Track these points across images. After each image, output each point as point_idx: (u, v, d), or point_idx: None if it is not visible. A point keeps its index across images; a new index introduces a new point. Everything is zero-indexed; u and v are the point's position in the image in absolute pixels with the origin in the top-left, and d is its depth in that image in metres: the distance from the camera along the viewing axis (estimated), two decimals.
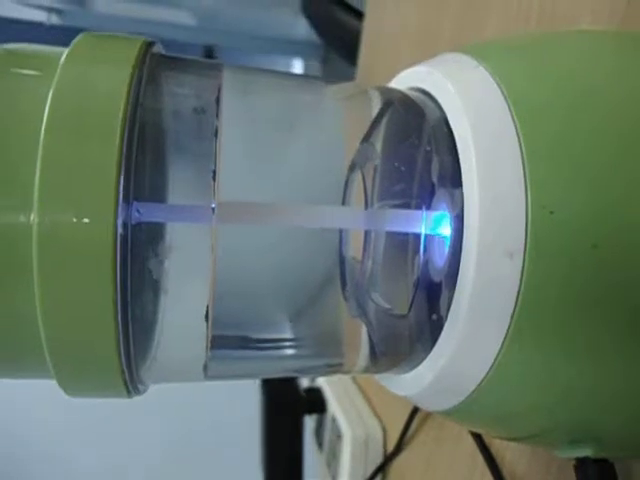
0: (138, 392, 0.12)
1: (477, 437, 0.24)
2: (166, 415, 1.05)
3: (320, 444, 0.46)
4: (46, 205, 0.10)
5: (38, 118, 0.10)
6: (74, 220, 0.09)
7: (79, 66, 0.11)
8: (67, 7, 2.00)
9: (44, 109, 0.10)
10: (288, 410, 0.39)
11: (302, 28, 0.86)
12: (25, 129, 0.10)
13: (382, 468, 0.38)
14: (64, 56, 0.11)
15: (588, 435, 0.14)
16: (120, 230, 0.10)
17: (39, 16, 2.15)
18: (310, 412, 0.45)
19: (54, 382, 0.12)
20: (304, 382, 0.50)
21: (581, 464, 0.14)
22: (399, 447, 0.35)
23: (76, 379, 0.11)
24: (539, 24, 0.21)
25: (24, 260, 0.10)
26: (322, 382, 0.45)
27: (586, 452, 0.14)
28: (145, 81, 0.11)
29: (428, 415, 0.32)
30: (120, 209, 0.10)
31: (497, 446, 0.24)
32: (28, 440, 1.05)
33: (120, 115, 0.10)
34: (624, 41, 0.14)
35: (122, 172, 0.10)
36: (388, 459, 0.37)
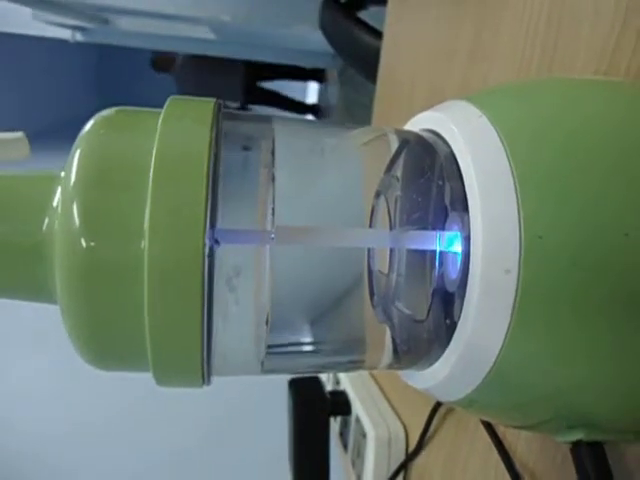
0: (209, 383, 0.15)
1: (491, 432, 0.27)
2: (178, 419, 1.08)
3: (345, 445, 0.49)
4: (154, 235, 0.13)
5: (146, 165, 0.13)
6: (174, 246, 0.13)
7: (172, 125, 0.14)
8: (91, 25, 2.07)
9: (150, 158, 0.13)
10: (315, 411, 0.42)
11: (321, 39, 0.89)
12: (136, 174, 0.13)
13: (404, 465, 0.40)
14: (161, 117, 0.14)
15: (581, 421, 0.16)
16: (207, 252, 0.13)
17: (64, 34, 2.23)
18: (335, 414, 0.47)
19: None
20: (328, 385, 0.53)
21: (576, 446, 0.17)
22: (420, 445, 0.38)
23: (167, 373, 0.14)
24: (540, 65, 0.24)
25: (136, 277, 0.13)
26: (346, 384, 0.47)
27: (579, 436, 0.16)
28: (219, 134, 0.14)
29: (447, 414, 0.34)
30: (207, 238, 0.13)
31: (509, 440, 0.26)
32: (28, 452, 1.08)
33: (205, 164, 0.13)
34: (607, 88, 0.17)
35: (208, 209, 0.13)
36: (410, 457, 0.39)
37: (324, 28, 0.90)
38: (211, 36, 2.03)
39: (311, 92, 3.09)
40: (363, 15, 0.87)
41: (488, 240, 0.14)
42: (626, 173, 0.14)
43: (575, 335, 0.14)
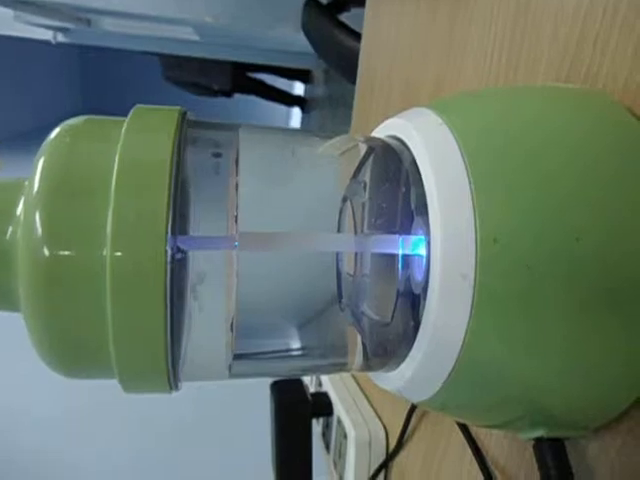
0: (177, 388, 0.15)
1: (465, 431, 0.27)
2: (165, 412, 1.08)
3: (327, 446, 0.49)
4: (116, 243, 0.13)
5: (109, 174, 0.13)
6: (136, 253, 0.13)
7: (136, 134, 0.14)
8: (73, 26, 2.05)
9: (113, 167, 0.13)
10: (297, 413, 0.42)
11: (305, 40, 0.90)
12: (99, 183, 0.14)
13: (385, 465, 0.41)
14: (124, 126, 0.14)
15: (542, 418, 0.17)
16: (169, 259, 0.13)
17: (45, 35, 2.21)
18: (318, 415, 0.48)
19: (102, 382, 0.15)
20: (311, 387, 0.53)
21: (538, 443, 0.17)
22: (399, 445, 0.38)
23: (133, 379, 0.14)
24: (507, 68, 0.24)
25: (99, 285, 0.13)
26: (328, 386, 0.47)
27: (541, 433, 0.17)
28: (182, 142, 0.14)
29: (423, 415, 0.35)
30: (169, 245, 0.13)
31: (482, 439, 0.27)
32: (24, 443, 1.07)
33: (167, 173, 0.13)
34: (565, 97, 0.18)
35: (170, 216, 0.13)
36: (390, 457, 0.40)
37: (306, 30, 0.90)
38: (195, 37, 2.02)
39: (297, 87, 3.09)
40: (345, 17, 0.87)
41: (446, 245, 0.14)
42: (577, 182, 0.14)
43: (530, 335, 0.14)
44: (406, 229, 0.17)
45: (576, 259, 0.14)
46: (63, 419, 1.11)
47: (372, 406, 0.44)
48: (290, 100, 2.94)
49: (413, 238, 0.17)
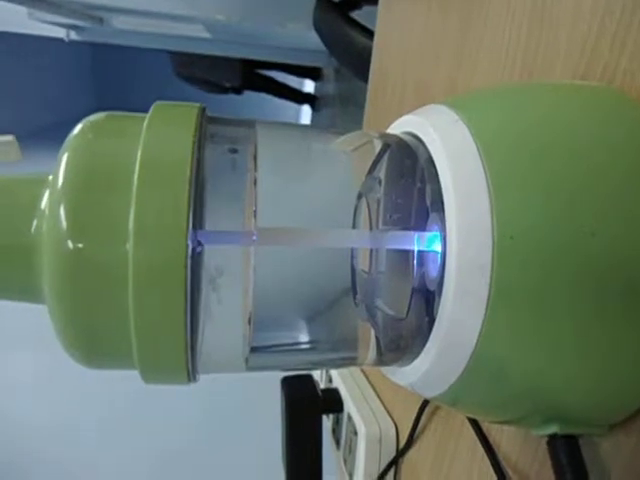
0: (195, 380, 0.16)
1: (476, 427, 0.27)
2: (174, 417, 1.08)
3: (337, 442, 0.49)
4: (139, 237, 0.13)
5: (131, 169, 0.14)
6: (158, 247, 0.13)
7: (157, 130, 0.15)
8: (86, 24, 2.06)
9: (135, 163, 0.14)
10: (308, 409, 0.42)
11: (316, 38, 0.90)
12: (122, 178, 0.14)
13: (395, 462, 0.41)
14: (146, 122, 0.15)
15: (555, 415, 0.17)
16: (190, 253, 0.13)
17: (58, 32, 2.23)
18: (328, 411, 0.48)
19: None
20: (322, 383, 0.54)
21: (551, 440, 0.17)
22: (410, 442, 0.38)
23: (153, 370, 0.15)
24: (523, 68, 0.24)
25: (121, 278, 0.13)
26: (338, 382, 0.48)
27: (554, 429, 0.17)
28: (202, 139, 0.15)
29: (435, 411, 0.35)
30: (190, 239, 0.13)
31: (493, 435, 0.27)
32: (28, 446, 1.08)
33: (188, 168, 0.14)
34: (582, 94, 0.18)
35: (191, 212, 0.13)
36: (400, 454, 0.40)
37: (318, 28, 0.90)
38: (206, 35, 2.03)
39: (308, 85, 3.09)
40: (357, 15, 0.87)
41: (462, 240, 0.14)
42: (593, 178, 0.14)
43: (545, 331, 0.14)
44: (421, 225, 0.17)
45: (592, 255, 0.14)
46: (65, 424, 1.12)
47: (383, 403, 0.44)
48: (300, 98, 2.95)
49: (428, 234, 0.17)
